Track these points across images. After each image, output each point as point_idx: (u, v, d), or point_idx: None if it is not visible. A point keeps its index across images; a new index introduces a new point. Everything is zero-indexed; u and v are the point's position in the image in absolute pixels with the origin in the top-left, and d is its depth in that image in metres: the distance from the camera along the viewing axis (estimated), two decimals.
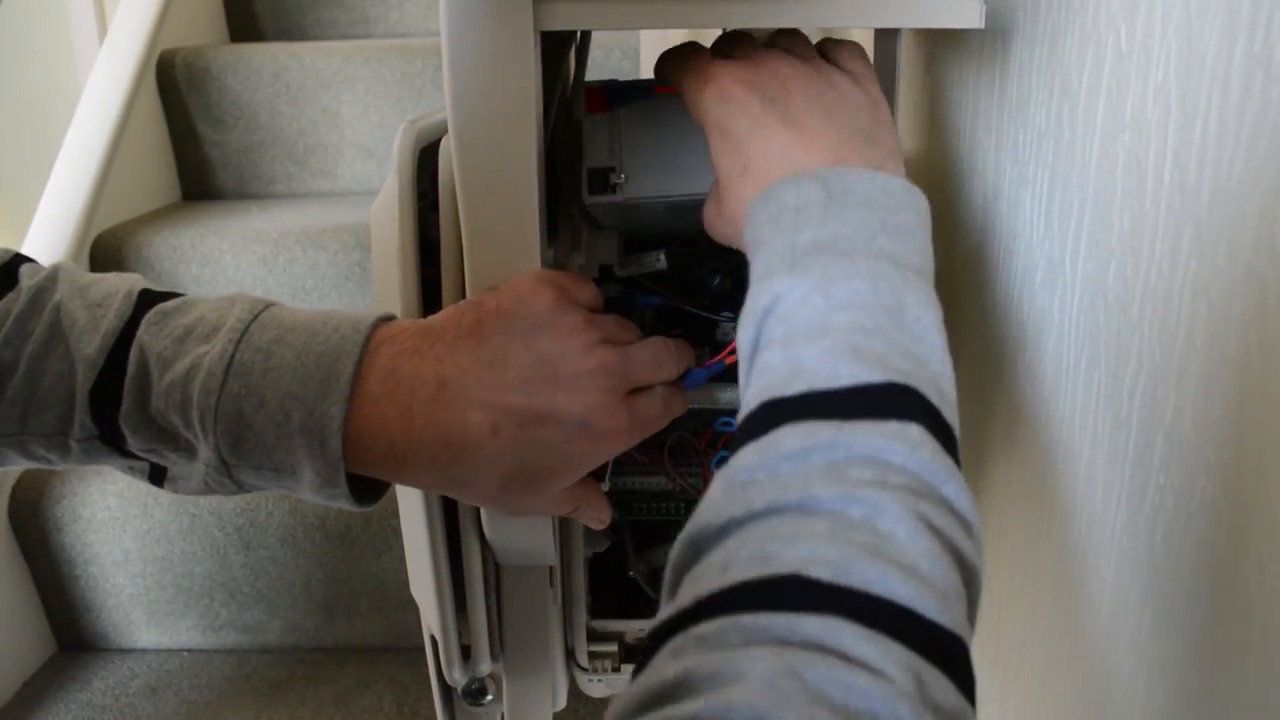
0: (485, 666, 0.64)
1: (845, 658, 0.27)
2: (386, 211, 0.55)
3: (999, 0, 0.51)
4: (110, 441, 0.48)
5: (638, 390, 0.49)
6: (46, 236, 1.53)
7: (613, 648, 0.68)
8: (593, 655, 0.68)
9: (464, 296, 0.53)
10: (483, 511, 0.57)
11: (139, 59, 1.75)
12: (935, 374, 0.37)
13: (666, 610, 0.32)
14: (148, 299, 0.49)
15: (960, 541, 0.33)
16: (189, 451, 0.47)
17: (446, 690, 0.67)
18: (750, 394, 0.38)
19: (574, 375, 0.47)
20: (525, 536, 0.59)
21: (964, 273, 0.59)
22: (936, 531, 0.32)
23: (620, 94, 0.56)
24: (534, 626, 0.65)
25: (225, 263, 1.55)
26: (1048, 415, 0.47)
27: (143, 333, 0.47)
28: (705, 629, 0.29)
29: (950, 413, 0.37)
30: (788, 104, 0.46)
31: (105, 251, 1.56)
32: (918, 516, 0.32)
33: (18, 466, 0.52)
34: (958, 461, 0.35)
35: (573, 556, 0.63)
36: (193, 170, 1.85)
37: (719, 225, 0.49)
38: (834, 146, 0.44)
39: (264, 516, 1.35)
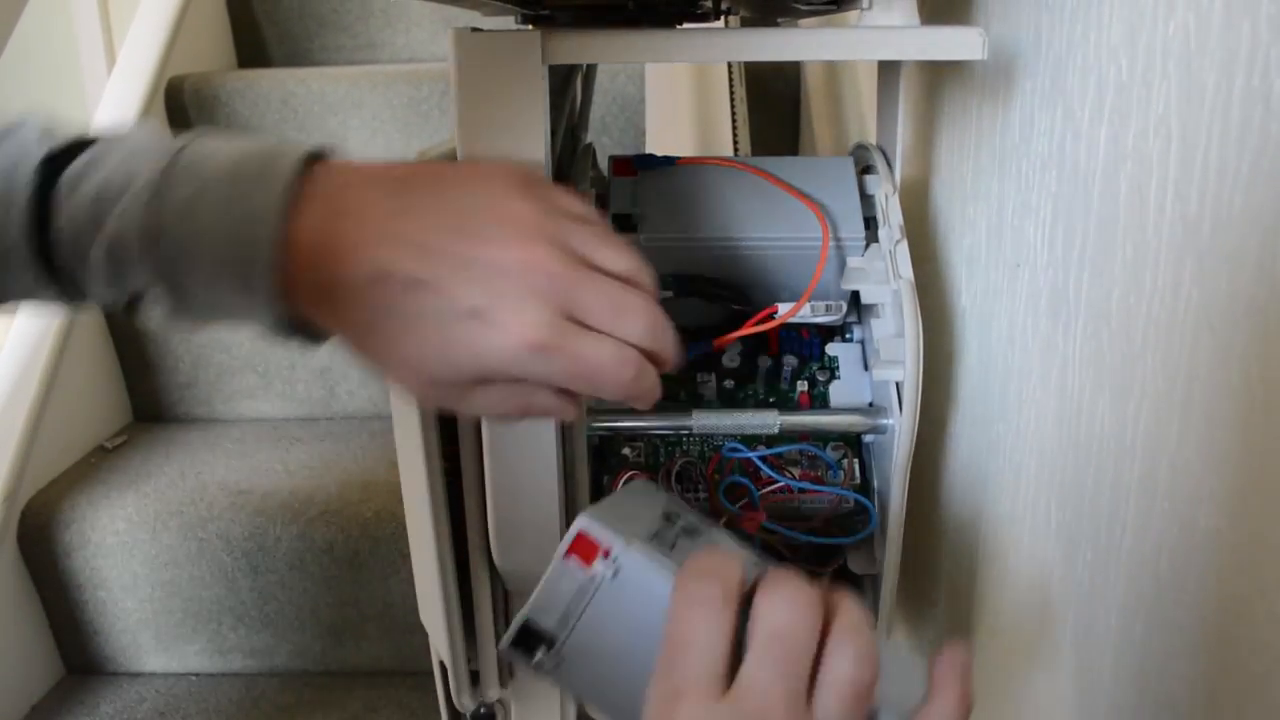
0: (494, 692, 0.65)
1: None
2: None
3: (1001, 32, 0.52)
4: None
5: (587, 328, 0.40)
6: None
7: None
8: None
9: None
10: (492, 538, 0.58)
11: (148, 85, 1.77)
12: None
13: None
14: (52, 166, 0.44)
15: None
16: (135, 304, 0.45)
17: (455, 716, 0.68)
18: None
19: (488, 263, 0.39)
20: (534, 562, 0.59)
21: (968, 299, 0.59)
22: None
23: (644, 162, 0.62)
24: None
25: None
26: (1052, 442, 0.47)
27: (61, 210, 0.43)
28: None
29: None
30: None
31: None
32: None
33: None
34: None
35: None
36: None
37: None
38: None
39: (272, 541, 1.35)
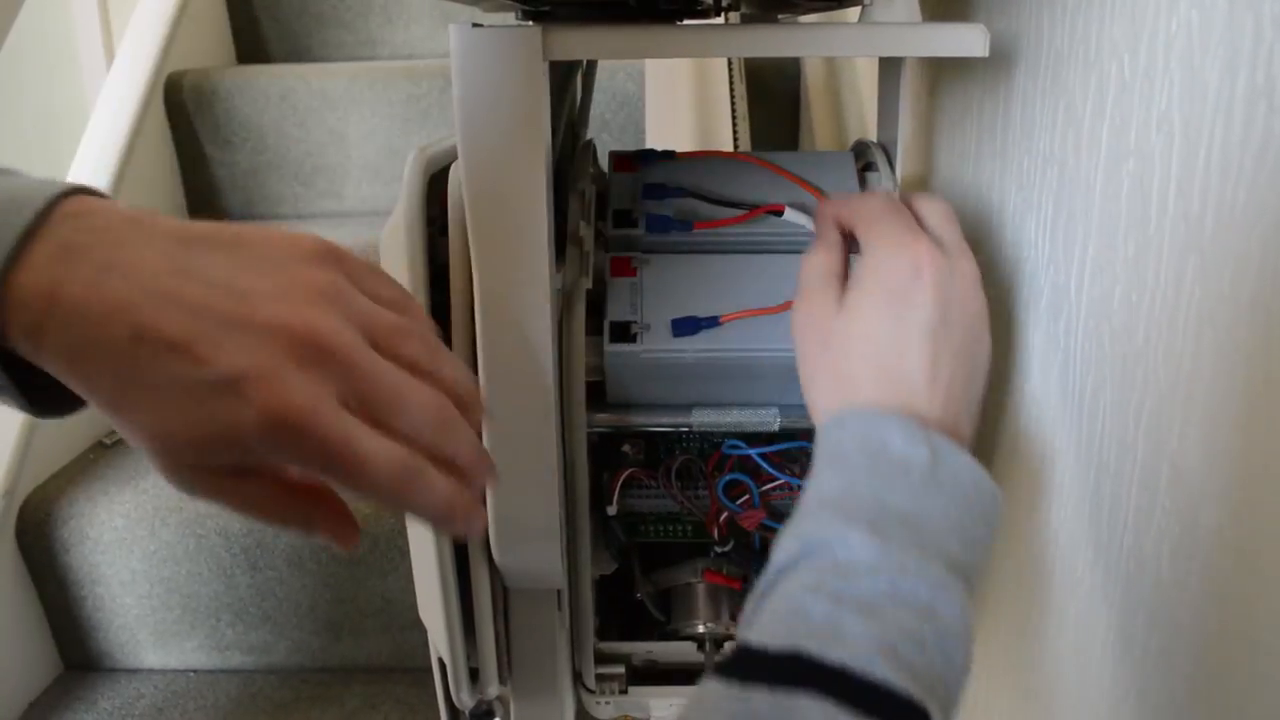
0: (493, 689, 0.65)
1: None
2: (396, 236, 0.55)
3: (1002, 28, 0.51)
4: None
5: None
6: None
7: (620, 670, 0.68)
8: (600, 677, 0.68)
9: (473, 320, 0.53)
10: (492, 535, 0.57)
11: (147, 81, 1.76)
12: (948, 698, 0.38)
13: None
14: None
15: None
16: None
17: (454, 712, 0.68)
18: (777, 625, 0.38)
19: (260, 327, 0.35)
20: (533, 559, 0.59)
21: None
22: None
23: (645, 157, 0.63)
24: (542, 649, 0.65)
25: None
26: (1053, 440, 0.47)
27: None
28: None
29: None
30: (949, 339, 0.45)
31: None
32: None
33: None
34: None
35: (580, 579, 0.63)
36: (200, 191, 1.86)
37: (804, 345, 0.48)
38: (950, 411, 0.45)
39: (271, 537, 1.35)
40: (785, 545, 0.42)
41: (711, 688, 0.37)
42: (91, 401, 0.36)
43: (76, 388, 0.36)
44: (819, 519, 0.41)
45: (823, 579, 0.39)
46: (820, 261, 0.49)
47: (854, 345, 0.46)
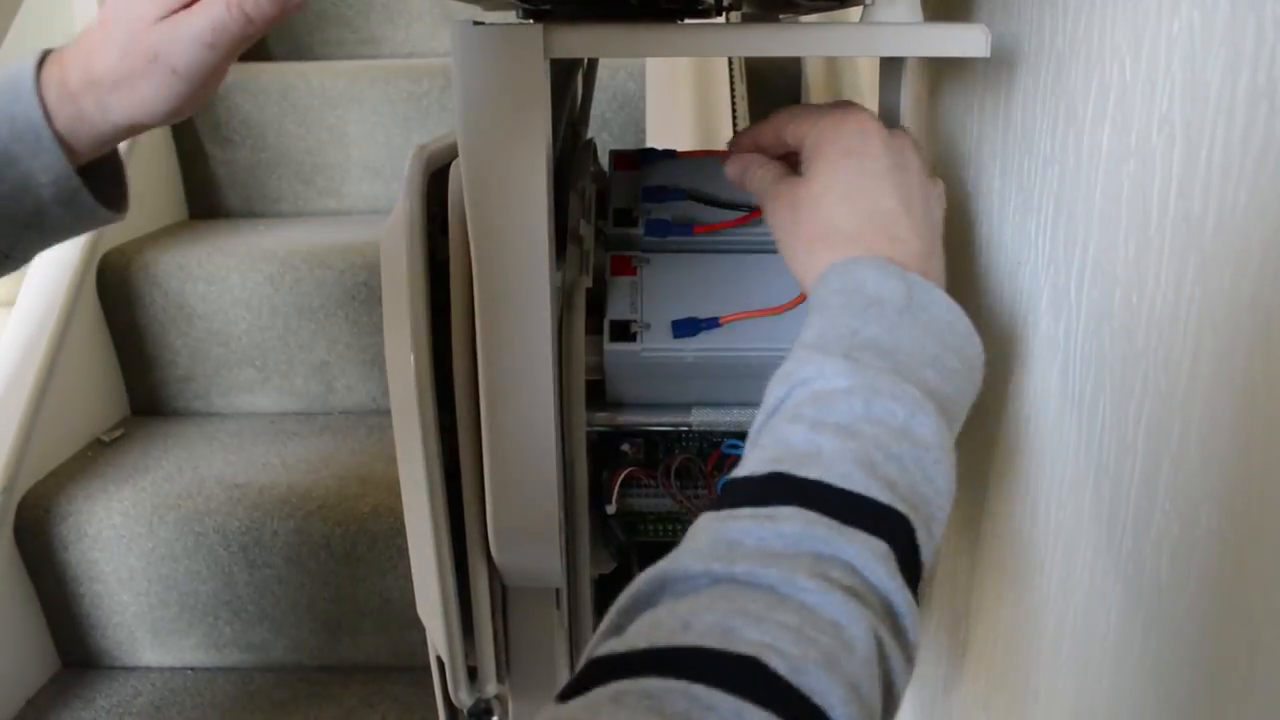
0: (491, 688, 0.65)
1: None
2: (397, 234, 0.55)
3: (1004, 29, 0.51)
4: None
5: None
6: (54, 253, 1.54)
7: None
8: None
9: (473, 319, 0.53)
10: (491, 534, 0.57)
11: None
12: (930, 516, 0.40)
13: (614, 642, 0.33)
14: None
15: (898, 676, 0.36)
16: None
17: (452, 711, 0.67)
18: (762, 456, 0.40)
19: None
20: (532, 558, 0.59)
21: (969, 297, 0.59)
22: (885, 658, 0.35)
23: (646, 157, 0.63)
24: (540, 648, 0.65)
25: (232, 281, 1.55)
26: (1052, 441, 0.47)
27: None
28: (654, 686, 0.30)
29: (929, 552, 0.40)
30: (909, 180, 0.48)
31: (113, 269, 1.57)
32: (876, 638, 0.34)
33: None
34: (917, 598, 0.38)
35: (579, 578, 0.63)
36: (200, 189, 1.86)
37: (779, 226, 0.50)
38: (923, 251, 0.47)
39: (269, 535, 1.35)
40: (771, 390, 0.43)
41: (702, 520, 0.38)
42: (114, 84, 0.52)
43: (112, 94, 0.52)
44: (799, 359, 0.43)
45: (801, 410, 0.41)
46: (763, 174, 0.51)
47: (825, 201, 0.47)
